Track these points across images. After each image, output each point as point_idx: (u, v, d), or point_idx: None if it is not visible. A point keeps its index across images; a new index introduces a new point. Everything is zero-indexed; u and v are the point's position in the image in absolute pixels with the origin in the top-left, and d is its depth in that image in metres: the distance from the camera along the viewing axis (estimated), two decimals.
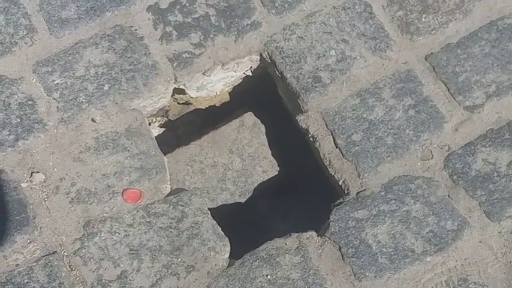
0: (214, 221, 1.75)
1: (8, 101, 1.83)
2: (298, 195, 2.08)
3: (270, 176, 2.04)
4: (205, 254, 1.69)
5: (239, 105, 2.14)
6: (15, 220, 1.70)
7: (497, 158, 1.77)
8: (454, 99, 1.84)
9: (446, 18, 1.94)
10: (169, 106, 2.13)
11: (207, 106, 2.18)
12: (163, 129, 2.25)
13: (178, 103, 2.18)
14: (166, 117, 2.23)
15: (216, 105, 2.18)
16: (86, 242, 1.70)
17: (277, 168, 2.05)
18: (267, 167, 2.04)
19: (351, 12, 1.95)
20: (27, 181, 1.75)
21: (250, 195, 2.03)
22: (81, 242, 1.70)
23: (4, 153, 1.77)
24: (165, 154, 1.91)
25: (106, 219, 1.72)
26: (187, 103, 2.18)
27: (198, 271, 1.67)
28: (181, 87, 1.96)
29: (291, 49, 1.92)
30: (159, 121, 2.22)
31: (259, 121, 2.08)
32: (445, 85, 1.86)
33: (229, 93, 2.16)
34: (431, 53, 1.90)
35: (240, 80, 2.10)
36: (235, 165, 2.04)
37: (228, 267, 1.69)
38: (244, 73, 2.05)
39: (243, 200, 2.02)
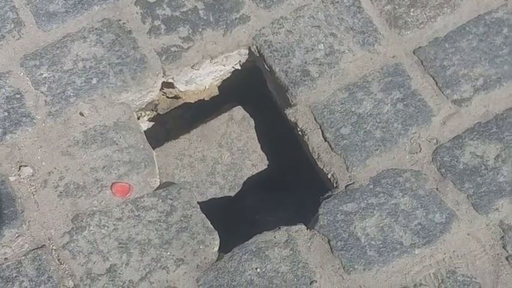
0: (204, 215, 1.76)
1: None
2: (288, 189, 2.10)
3: (260, 170, 2.05)
4: (194, 247, 1.70)
5: (228, 99, 2.15)
6: (3, 214, 1.70)
7: (485, 151, 1.78)
8: (442, 92, 1.85)
9: (434, 12, 1.95)
10: (158, 100, 2.14)
11: (196, 100, 2.18)
12: (152, 123, 2.26)
13: (168, 97, 2.18)
14: (156, 112, 2.24)
15: (205, 99, 2.19)
16: (75, 235, 1.70)
17: (267, 162, 2.06)
18: (256, 161, 2.06)
19: (339, 6, 1.96)
20: (15, 175, 1.76)
21: (239, 189, 2.04)
22: (69, 236, 1.70)
23: None
24: (154, 148, 1.92)
25: (95, 212, 1.73)
26: (176, 97, 2.18)
27: (188, 264, 1.68)
28: (170, 81, 1.97)
29: (279, 43, 1.92)
30: (148, 115, 2.23)
31: (248, 115, 2.09)
32: (433, 79, 1.87)
33: (218, 87, 2.17)
34: (420, 47, 1.92)
35: (229, 74, 2.11)
36: (225, 159, 2.05)
37: (217, 260, 1.70)
38: (233, 67, 2.06)
39: (232, 194, 2.03)
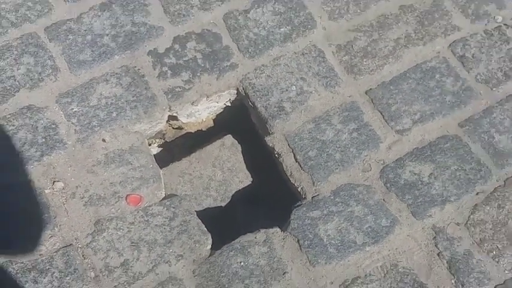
0: (199, 220, 1.76)
1: (36, 125, 1.84)
2: (267, 199, 2.08)
3: (245, 185, 2.04)
4: (191, 246, 1.70)
5: (221, 129, 2.15)
6: (40, 219, 1.71)
7: (421, 170, 1.81)
8: (388, 124, 1.88)
9: (382, 62, 1.98)
10: (165, 130, 2.12)
11: (195, 130, 2.17)
12: (160, 148, 2.23)
13: (173, 128, 2.17)
14: (163, 139, 2.21)
15: (203, 129, 2.18)
16: (96, 236, 1.70)
17: (251, 179, 2.05)
18: (242, 178, 2.05)
19: (308, 56, 1.99)
20: (49, 188, 1.76)
21: (229, 200, 2.02)
22: (92, 237, 1.70)
23: (32, 166, 1.78)
24: (161, 168, 1.90)
25: (112, 218, 1.73)
26: (180, 128, 2.17)
27: (186, 259, 1.69)
28: (175, 114, 1.97)
29: (260, 85, 1.94)
30: (157, 142, 2.20)
31: (236, 142, 2.08)
32: (381, 113, 1.90)
33: (213, 119, 2.17)
34: (370, 88, 1.94)
35: (221, 109, 2.10)
36: (217, 177, 2.04)
37: (209, 256, 1.71)
38: (224, 104, 2.06)
39: (223, 205, 2.02)
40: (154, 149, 2.20)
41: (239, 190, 2.04)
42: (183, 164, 2.06)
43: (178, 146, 2.25)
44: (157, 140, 2.20)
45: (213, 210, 2.00)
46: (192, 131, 2.18)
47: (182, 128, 2.18)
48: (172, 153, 2.22)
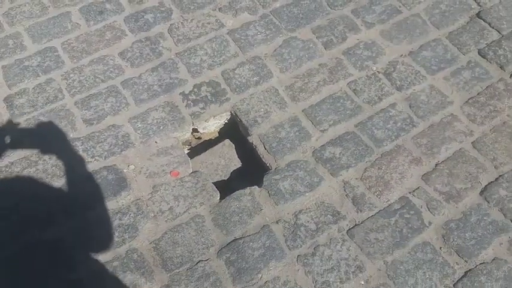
0: (213, 184, 1.82)
1: (117, 135, 1.89)
2: (250, 171, 2.09)
3: (238, 167, 2.07)
4: (208, 197, 1.76)
5: (223, 136, 2.19)
6: (121, 186, 1.78)
7: (335, 151, 1.88)
8: (315, 127, 1.95)
9: (310, 94, 2.00)
10: (191, 139, 2.15)
11: (208, 138, 2.22)
12: (189, 151, 2.24)
13: (195, 137, 2.20)
14: (190, 145, 2.23)
15: (212, 137, 2.24)
16: (154, 194, 1.75)
17: (241, 163, 2.09)
18: (236, 163, 2.07)
19: (269, 93, 2.03)
20: (126, 169, 1.82)
21: (229, 176, 2.06)
22: (151, 194, 1.76)
23: (116, 157, 1.84)
24: (190, 159, 1.95)
25: (163, 184, 1.76)
26: (199, 138, 2.20)
27: (205, 205, 1.73)
28: (196, 127, 2.00)
29: (244, 109, 2.00)
30: (186, 147, 2.21)
31: (232, 143, 2.12)
32: (311, 121, 1.95)
33: (218, 131, 2.22)
34: (305, 109, 1.98)
35: (223, 125, 2.14)
36: (221, 163, 2.07)
37: (219, 202, 1.75)
38: (224, 121, 2.12)
39: (225, 179, 2.05)
40: (186, 151, 2.22)
41: (234, 170, 2.06)
42: (202, 157, 2.05)
43: (199, 148, 2.24)
44: (186, 146, 2.21)
45: (220, 182, 2.03)
46: (207, 139, 2.22)
47: (200, 138, 2.21)
48: (196, 152, 2.24)
